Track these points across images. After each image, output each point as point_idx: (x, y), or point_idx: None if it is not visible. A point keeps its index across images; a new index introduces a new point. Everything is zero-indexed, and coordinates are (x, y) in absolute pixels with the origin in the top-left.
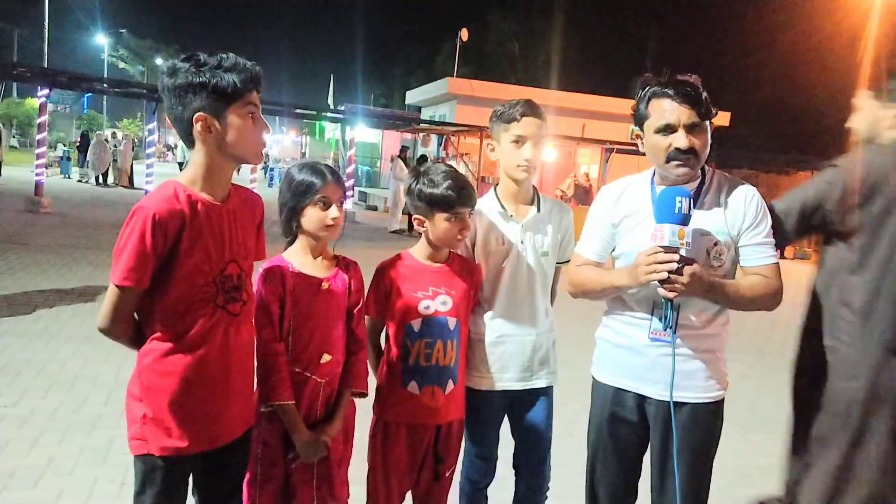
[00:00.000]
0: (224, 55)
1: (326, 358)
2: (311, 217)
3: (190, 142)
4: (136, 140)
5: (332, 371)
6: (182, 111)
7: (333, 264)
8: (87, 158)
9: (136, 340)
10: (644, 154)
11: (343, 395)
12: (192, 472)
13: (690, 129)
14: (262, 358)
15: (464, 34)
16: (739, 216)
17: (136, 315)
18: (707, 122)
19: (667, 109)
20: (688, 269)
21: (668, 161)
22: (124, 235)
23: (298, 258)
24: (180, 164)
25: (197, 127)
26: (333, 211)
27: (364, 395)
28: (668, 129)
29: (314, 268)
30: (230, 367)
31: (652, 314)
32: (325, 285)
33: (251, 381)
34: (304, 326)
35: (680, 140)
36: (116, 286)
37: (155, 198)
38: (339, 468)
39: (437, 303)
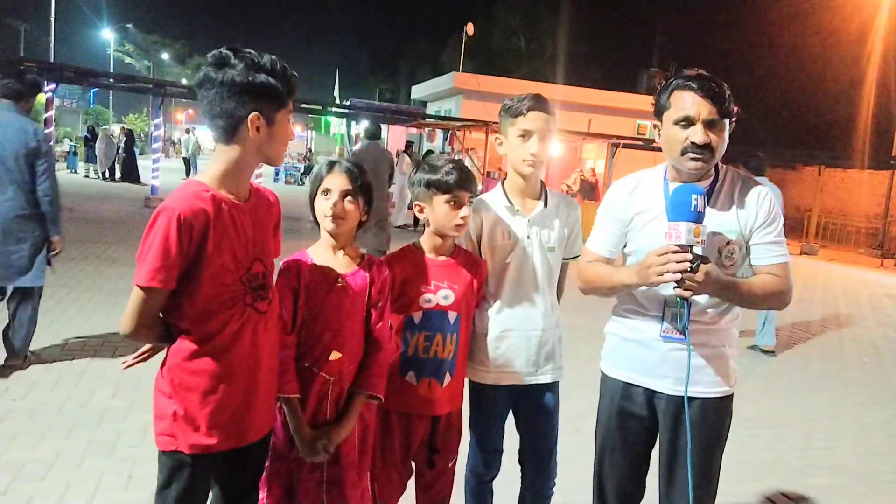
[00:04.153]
0: (271, 57)
1: (335, 355)
2: (317, 207)
3: (228, 137)
4: (141, 135)
5: (342, 369)
6: (234, 107)
7: (356, 261)
8: (97, 153)
9: (164, 339)
10: (658, 149)
11: (355, 397)
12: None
13: (709, 124)
14: None
15: (469, 29)
16: (752, 215)
17: (161, 315)
18: (726, 121)
19: (688, 102)
20: (703, 268)
21: (682, 154)
22: (149, 237)
23: (320, 252)
24: (185, 161)
25: (249, 126)
26: (331, 201)
27: (379, 398)
28: (687, 122)
29: (334, 263)
30: (259, 365)
31: (663, 313)
32: (340, 282)
33: (276, 378)
34: (316, 321)
35: (697, 134)
36: (142, 287)
37: (179, 197)
38: (350, 471)
39: (439, 296)
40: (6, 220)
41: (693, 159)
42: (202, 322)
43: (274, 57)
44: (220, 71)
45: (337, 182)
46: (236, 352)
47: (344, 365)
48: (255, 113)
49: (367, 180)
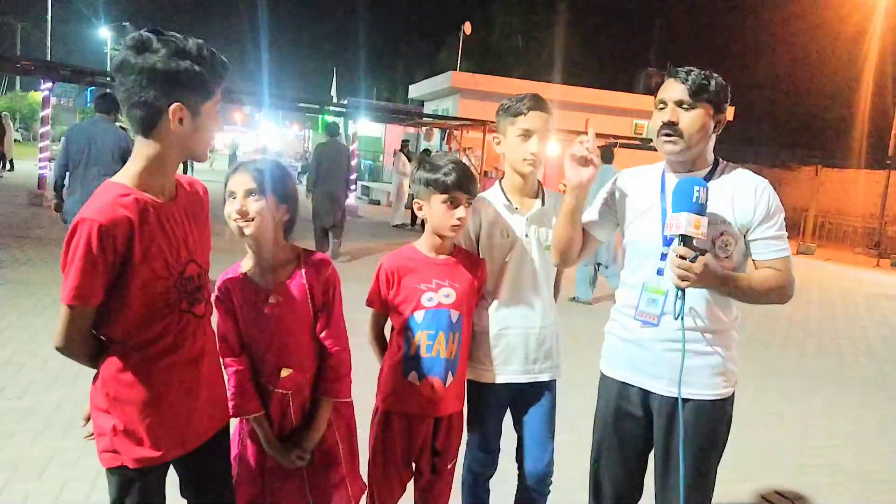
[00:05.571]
0: (198, 42)
1: (286, 372)
2: (225, 213)
3: (146, 130)
4: None
5: (298, 382)
6: (154, 96)
7: (292, 268)
8: None
9: (94, 358)
10: (654, 149)
11: (321, 403)
12: (178, 476)
13: (679, 105)
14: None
15: (467, 28)
16: (750, 209)
17: (93, 330)
18: (700, 103)
19: (665, 87)
20: (701, 259)
21: (658, 136)
22: (69, 252)
23: (250, 265)
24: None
25: (171, 118)
26: (236, 203)
27: (345, 401)
28: (663, 105)
29: (263, 277)
30: (200, 369)
31: (640, 296)
32: (272, 299)
33: (221, 378)
34: (257, 342)
35: (665, 113)
36: (67, 306)
37: (97, 206)
38: (334, 468)
39: (441, 295)
40: None
41: (665, 141)
42: (136, 333)
43: (201, 42)
44: (139, 56)
45: (239, 181)
46: (174, 360)
47: (298, 378)
48: (178, 103)
49: (285, 183)
